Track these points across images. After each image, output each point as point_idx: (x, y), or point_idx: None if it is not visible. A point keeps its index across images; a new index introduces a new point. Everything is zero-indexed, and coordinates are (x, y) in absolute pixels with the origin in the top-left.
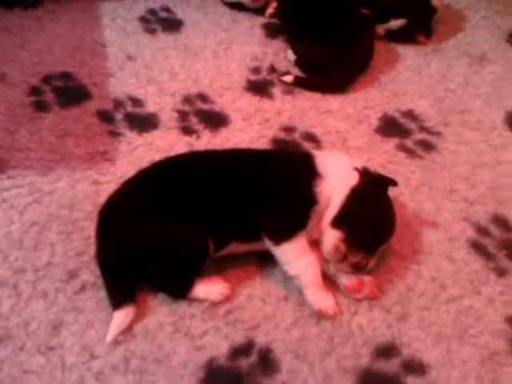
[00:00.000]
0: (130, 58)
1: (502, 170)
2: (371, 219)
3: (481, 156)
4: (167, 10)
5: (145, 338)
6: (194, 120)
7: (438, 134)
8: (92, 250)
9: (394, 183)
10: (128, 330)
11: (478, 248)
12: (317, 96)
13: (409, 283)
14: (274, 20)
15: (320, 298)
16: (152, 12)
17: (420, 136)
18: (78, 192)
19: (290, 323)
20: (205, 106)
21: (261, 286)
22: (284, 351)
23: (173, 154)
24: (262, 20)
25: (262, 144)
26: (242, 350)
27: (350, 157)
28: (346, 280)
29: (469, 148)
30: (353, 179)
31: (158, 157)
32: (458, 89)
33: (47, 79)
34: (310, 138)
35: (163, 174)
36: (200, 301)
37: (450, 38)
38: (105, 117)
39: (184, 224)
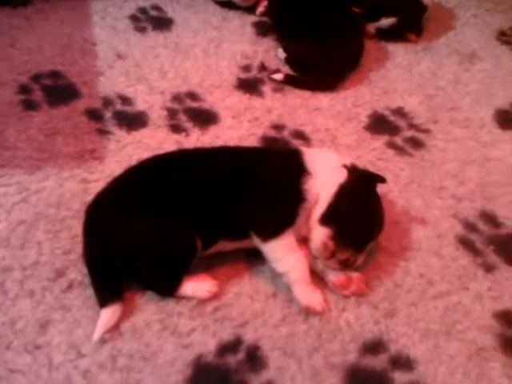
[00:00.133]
0: (119, 56)
1: (490, 167)
2: (360, 216)
3: (469, 153)
4: (157, 8)
5: (132, 336)
6: (183, 118)
7: (427, 131)
8: (79, 248)
9: (383, 180)
10: (115, 328)
11: (466, 244)
12: (307, 94)
13: (396, 279)
14: (264, 18)
15: (308, 295)
16: (142, 10)
17: (409, 133)
18: (66, 190)
19: (278, 320)
20: (194, 104)
21: (249, 283)
22: (272, 348)
23: (162, 152)
24: (252, 18)
25: (252, 142)
26: (230, 347)
27: (339, 154)
28: (333, 277)
29: (458, 145)
30: (341, 176)
31: (146, 155)
32: (447, 86)
33: (36, 78)
34: (300, 135)
35: (151, 172)
36: (188, 298)
37: (441, 36)
38: (94, 115)
39: (171, 222)
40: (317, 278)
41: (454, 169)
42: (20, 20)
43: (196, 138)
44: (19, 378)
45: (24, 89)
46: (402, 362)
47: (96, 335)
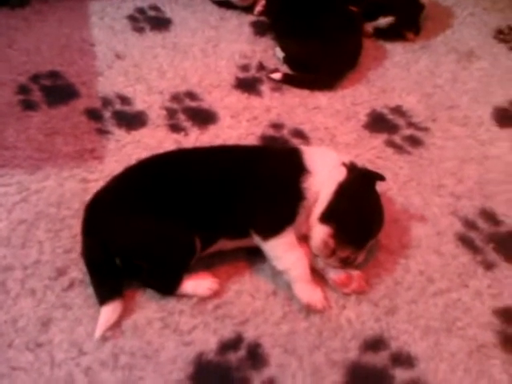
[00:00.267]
0: (118, 56)
1: (489, 165)
2: (359, 214)
3: (468, 151)
4: (155, 8)
5: (133, 334)
6: (182, 117)
7: (426, 129)
8: (80, 247)
9: (382, 178)
10: (117, 326)
11: (465, 242)
12: (305, 93)
13: (397, 277)
14: (262, 18)
15: (309, 293)
16: (140, 11)
17: (408, 132)
18: (65, 190)
19: (278, 318)
20: (193, 104)
21: (250, 281)
22: (273, 345)
23: (161, 151)
24: (250, 18)
25: (251, 141)
26: (231, 344)
27: (338, 153)
28: (334, 274)
29: (456, 143)
30: (341, 174)
31: (146, 154)
32: (445, 85)
33: (35, 78)
34: (299, 134)
35: (150, 171)
36: (189, 296)
37: (438, 34)
38: (93, 115)
39: (170, 221)
40: (317, 275)
41: (452, 167)
42: (18, 21)
43: (195, 138)
44: (21, 375)
45: (23, 89)
46: (403, 359)
47: (97, 333)
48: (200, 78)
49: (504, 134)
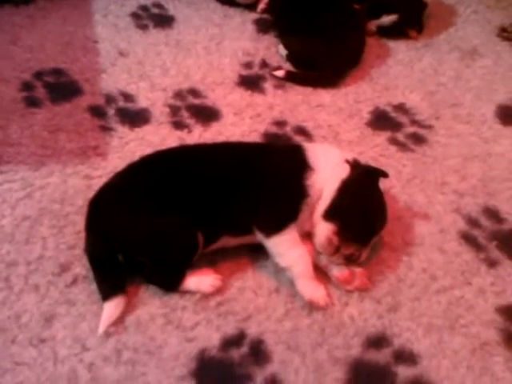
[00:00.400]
0: (121, 53)
1: (492, 163)
2: (363, 211)
3: (472, 149)
4: (159, 6)
5: (136, 330)
6: (185, 115)
7: (430, 127)
8: (83, 243)
9: (385, 175)
10: (120, 322)
11: (468, 239)
12: (308, 90)
13: (400, 274)
14: (265, 15)
15: (311, 290)
16: (144, 8)
17: (411, 129)
18: (69, 186)
19: (281, 314)
20: (196, 101)
21: (252, 278)
22: (276, 342)
23: (164, 148)
24: (253, 15)
25: (254, 138)
26: (234, 341)
27: (341, 150)
28: (337, 271)
29: (460, 141)
30: (344, 171)
31: (149, 151)
32: (449, 83)
33: (39, 75)
34: (302, 131)
35: (153, 167)
36: (191, 293)
37: (441, 32)
38: (96, 112)
39: (173, 218)
40: (320, 272)
41: (456, 164)
42: (22, 18)
43: (198, 135)
44: (25, 371)
45: (27, 86)
46: (406, 357)
47: (101, 329)
48: (203, 75)
49: (507, 131)
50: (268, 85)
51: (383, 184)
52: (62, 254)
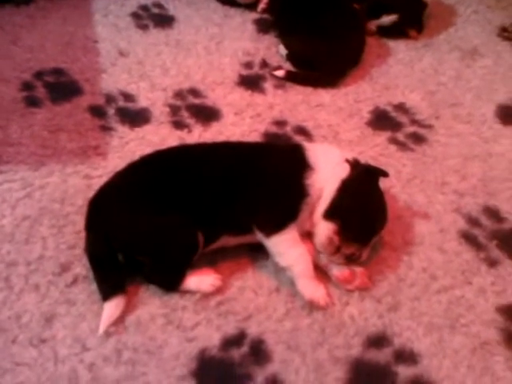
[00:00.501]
0: (121, 53)
1: (492, 163)
2: (364, 210)
3: (472, 148)
4: (159, 5)
5: (137, 330)
6: (185, 114)
7: (430, 126)
8: (84, 243)
9: (385, 174)
10: (120, 322)
11: (469, 239)
12: (308, 90)
13: (400, 274)
14: (265, 15)
15: (311, 289)
16: (144, 8)
17: (411, 129)
18: (69, 186)
19: (281, 314)
20: (196, 101)
21: (252, 277)
22: (276, 342)
23: (164, 147)
24: (253, 15)
25: (254, 138)
26: (234, 340)
27: (341, 150)
28: (337, 271)
29: (460, 141)
30: (344, 171)
31: (149, 151)
32: (449, 82)
33: (39, 75)
34: (302, 131)
35: (153, 167)
36: (192, 293)
37: (442, 32)
38: (97, 112)
39: (173, 217)
40: (320, 272)
41: (456, 164)
42: (22, 18)
43: (198, 135)
44: (25, 371)
45: (27, 86)
46: (406, 356)
47: (101, 329)
48: (203, 75)
49: (507, 131)
50: (268, 85)
51: (383, 184)
52: (62, 253)
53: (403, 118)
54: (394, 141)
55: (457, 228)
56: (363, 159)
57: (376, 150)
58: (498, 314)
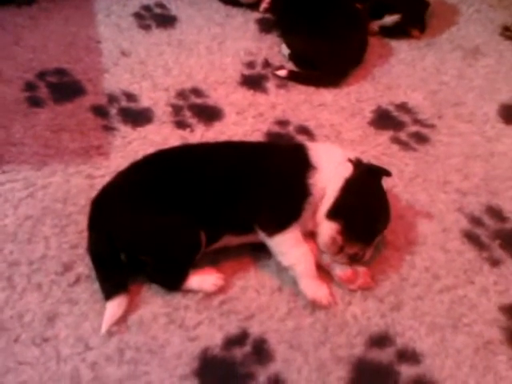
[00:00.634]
0: (124, 53)
1: (495, 162)
2: (367, 210)
3: (474, 148)
4: (161, 6)
5: (139, 329)
6: (187, 114)
7: (432, 126)
8: (86, 242)
9: (388, 173)
10: (122, 321)
11: (471, 238)
12: (310, 90)
13: (402, 273)
14: (267, 15)
15: (314, 288)
16: (146, 8)
17: (414, 128)
18: (72, 186)
19: (284, 314)
20: (199, 101)
21: (255, 277)
22: (278, 341)
23: (166, 147)
24: (255, 15)
25: (257, 138)
26: (237, 340)
27: (343, 149)
28: (340, 271)
29: (462, 140)
30: (347, 170)
31: (151, 151)
32: (451, 82)
33: (42, 75)
34: (304, 131)
35: (156, 166)
36: (194, 292)
37: (444, 31)
38: (99, 112)
39: (176, 216)
40: (323, 271)
41: (458, 163)
42: (25, 19)
43: (201, 134)
44: (28, 370)
45: (29, 86)
46: (409, 356)
47: (103, 328)
48: (205, 74)
49: (510, 130)
50: (270, 84)
51: (385, 183)
52: (64, 253)
53: (405, 118)
54: (396, 140)
55: (459, 227)
56: (365, 159)
57: (378, 149)
58: (501, 314)
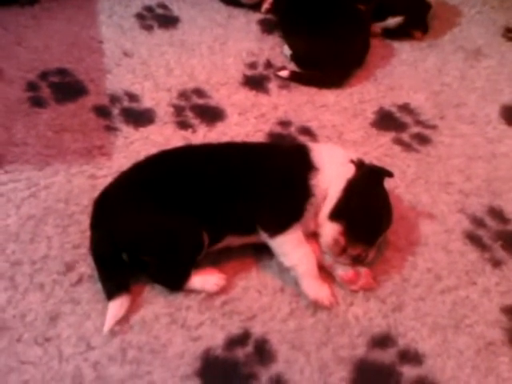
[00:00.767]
0: (126, 54)
1: (496, 163)
2: (369, 211)
3: (476, 149)
4: (163, 6)
5: (141, 329)
6: (190, 115)
7: (434, 127)
8: (89, 242)
9: (390, 174)
10: (125, 321)
11: (473, 239)
12: (313, 90)
13: (404, 274)
14: (269, 16)
15: (316, 289)
16: (148, 9)
17: (416, 129)
18: (74, 186)
19: (286, 314)
20: (201, 101)
21: (257, 277)
22: (280, 342)
23: (169, 148)
24: (257, 16)
25: (259, 138)
26: (239, 340)
27: (345, 150)
28: (342, 271)
29: (464, 141)
30: (349, 171)
31: (154, 151)
32: (453, 83)
33: (44, 75)
34: (306, 132)
35: (158, 167)
36: (196, 292)
37: (446, 33)
38: (101, 112)
39: (178, 217)
40: (325, 272)
41: (460, 164)
42: (27, 19)
43: (203, 135)
44: (30, 369)
45: (32, 86)
46: (411, 356)
47: (106, 327)
48: (207, 75)
49: None
50: (272, 85)
51: (387, 184)
52: (66, 253)
53: (407, 119)
54: (398, 141)
55: (461, 228)
56: (367, 160)
57: (380, 150)
58: (503, 315)
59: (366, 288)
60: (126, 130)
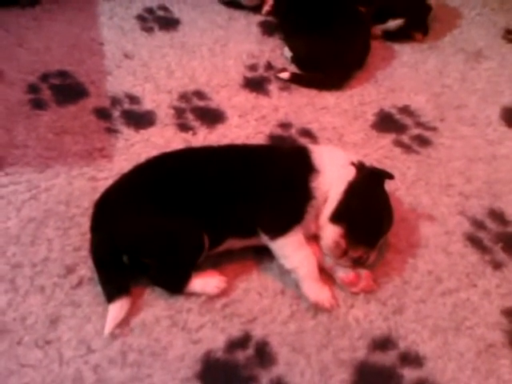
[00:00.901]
0: (127, 56)
1: (497, 165)
2: (370, 213)
3: (476, 151)
4: (164, 8)
5: (142, 332)
6: (190, 117)
7: (434, 129)
8: (89, 245)
9: (391, 176)
10: (125, 324)
11: (474, 241)
12: (313, 92)
13: (405, 276)
14: (270, 18)
15: (316, 291)
16: (149, 11)
17: (416, 131)
18: (75, 188)
19: (286, 316)
20: (201, 103)
21: (257, 279)
22: (281, 344)
23: (169, 150)
24: (258, 18)
25: (259, 140)
26: (239, 343)
27: (346, 152)
28: (342, 273)
29: (465, 143)
30: (350, 173)
31: (154, 153)
32: (454, 85)
33: (45, 77)
34: (307, 134)
35: (159, 169)
36: (197, 295)
37: (446, 35)
38: (102, 114)
39: (179, 219)
40: (325, 274)
41: (461, 166)
42: (28, 20)
43: (203, 137)
44: (30, 372)
45: (32, 88)
46: (411, 359)
47: (106, 330)
48: (208, 77)
49: None
50: (273, 87)
51: (388, 186)
52: (67, 255)
53: (408, 121)
54: (398, 143)
55: (462, 230)
56: (368, 162)
57: (381, 152)
58: (503, 317)
59: (367, 290)
60: (127, 132)
